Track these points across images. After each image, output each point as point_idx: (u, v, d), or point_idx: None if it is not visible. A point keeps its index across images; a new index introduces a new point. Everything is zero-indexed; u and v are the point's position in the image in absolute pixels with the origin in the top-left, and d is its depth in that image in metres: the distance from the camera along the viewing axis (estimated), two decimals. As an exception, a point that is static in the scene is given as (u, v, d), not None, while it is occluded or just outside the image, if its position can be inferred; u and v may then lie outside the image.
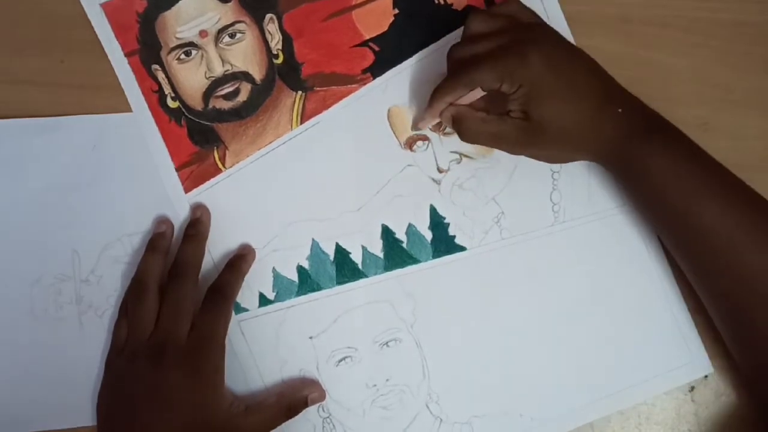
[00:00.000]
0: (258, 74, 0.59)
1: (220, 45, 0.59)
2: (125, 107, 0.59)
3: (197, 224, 0.58)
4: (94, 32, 0.59)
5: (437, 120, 0.55)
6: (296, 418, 0.55)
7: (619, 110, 0.52)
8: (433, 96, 0.54)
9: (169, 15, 0.59)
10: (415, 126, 0.59)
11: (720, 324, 0.55)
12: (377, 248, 0.58)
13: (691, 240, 0.52)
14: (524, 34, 0.52)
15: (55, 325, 0.58)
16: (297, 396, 0.56)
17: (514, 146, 0.54)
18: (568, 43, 0.54)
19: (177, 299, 0.54)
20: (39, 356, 0.58)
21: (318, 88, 0.59)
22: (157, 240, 0.57)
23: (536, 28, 0.53)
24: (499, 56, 0.51)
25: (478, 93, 0.52)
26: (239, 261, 0.57)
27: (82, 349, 0.58)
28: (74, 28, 0.60)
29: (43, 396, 0.57)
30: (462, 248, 0.58)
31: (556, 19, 0.59)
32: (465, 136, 0.54)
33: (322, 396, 0.57)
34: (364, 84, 0.59)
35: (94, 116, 0.59)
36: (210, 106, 0.59)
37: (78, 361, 0.57)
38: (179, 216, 0.59)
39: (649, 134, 0.52)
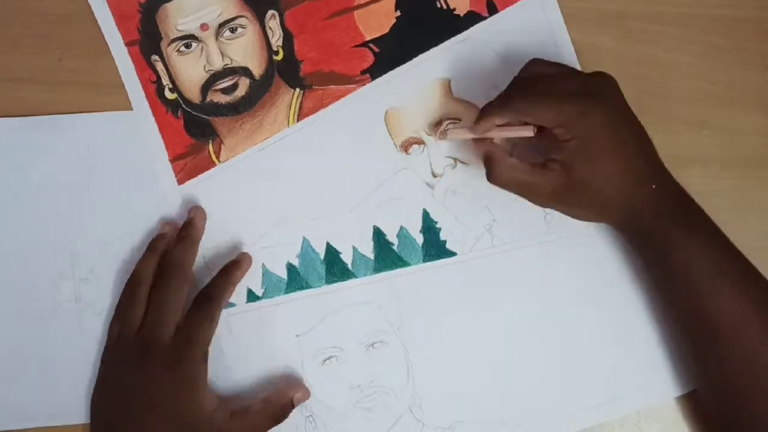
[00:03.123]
0: (257, 70, 0.59)
1: (220, 39, 0.59)
2: (123, 105, 0.59)
3: (189, 227, 0.57)
4: (93, 29, 0.59)
5: (473, 136, 0.54)
6: (279, 418, 0.55)
7: (654, 186, 0.52)
8: (482, 112, 0.53)
9: (171, 6, 0.59)
10: (450, 135, 0.56)
11: (711, 405, 0.54)
12: (368, 249, 0.58)
13: (700, 322, 0.52)
14: (590, 84, 0.52)
15: (53, 324, 0.58)
16: (283, 401, 0.55)
17: (542, 198, 0.53)
18: (626, 103, 0.53)
19: (161, 300, 0.54)
20: (37, 354, 0.57)
21: (316, 87, 0.59)
22: (156, 241, 0.57)
23: (600, 79, 0.53)
24: (564, 99, 0.50)
25: (528, 132, 0.52)
26: (233, 268, 0.56)
27: (81, 347, 0.57)
28: (72, 25, 0.60)
29: (42, 393, 0.57)
30: (452, 253, 0.58)
31: (554, 16, 0.59)
32: (493, 179, 0.53)
33: (306, 395, 0.56)
34: (363, 85, 0.59)
35: (92, 114, 0.59)
36: (207, 99, 0.59)
37: (76, 359, 0.57)
38: (171, 208, 0.58)
39: (676, 216, 0.52)
